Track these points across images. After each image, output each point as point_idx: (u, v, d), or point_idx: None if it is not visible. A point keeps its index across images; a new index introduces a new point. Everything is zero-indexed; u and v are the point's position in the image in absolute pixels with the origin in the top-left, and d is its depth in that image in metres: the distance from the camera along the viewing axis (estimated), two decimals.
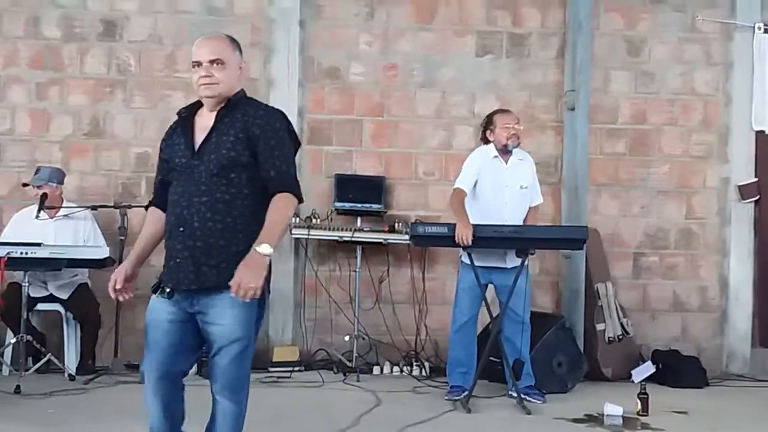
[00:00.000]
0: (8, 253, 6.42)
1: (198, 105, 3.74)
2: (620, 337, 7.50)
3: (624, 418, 5.86)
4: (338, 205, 7.66)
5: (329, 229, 7.51)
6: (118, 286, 3.62)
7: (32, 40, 7.82)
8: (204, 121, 3.65)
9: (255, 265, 3.35)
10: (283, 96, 7.79)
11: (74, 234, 7.07)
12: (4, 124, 7.77)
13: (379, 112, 8.01)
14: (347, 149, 7.98)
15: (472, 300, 6.43)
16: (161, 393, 3.59)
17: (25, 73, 7.81)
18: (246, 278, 3.31)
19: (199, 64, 3.62)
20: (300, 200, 3.62)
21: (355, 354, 7.42)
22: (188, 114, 3.75)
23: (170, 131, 3.78)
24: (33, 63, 7.82)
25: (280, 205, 3.51)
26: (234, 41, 3.75)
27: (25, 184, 7.14)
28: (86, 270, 7.09)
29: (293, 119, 7.69)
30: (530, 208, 6.68)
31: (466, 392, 6.29)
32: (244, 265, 3.34)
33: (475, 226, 6.35)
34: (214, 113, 3.63)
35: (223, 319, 3.47)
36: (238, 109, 3.63)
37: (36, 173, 7.08)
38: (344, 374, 7.18)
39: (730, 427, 5.89)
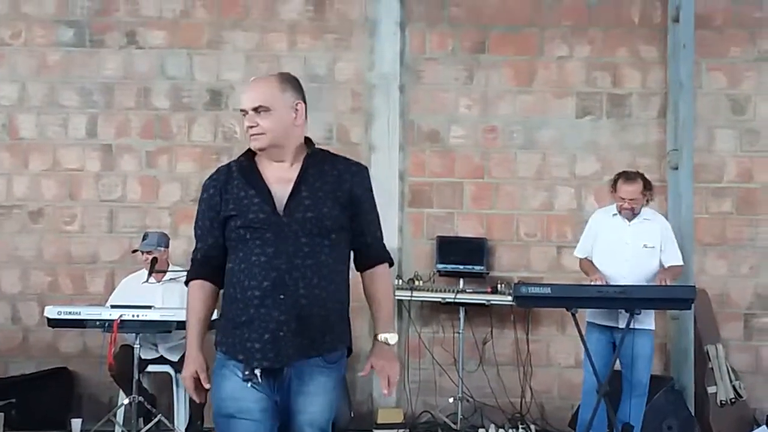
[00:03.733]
0: (120, 316, 6.59)
1: (254, 152, 3.27)
2: (733, 400, 7.29)
3: None
4: (440, 266, 7.68)
5: (432, 291, 7.52)
6: (207, 386, 3.23)
7: (143, 111, 8.08)
8: (275, 172, 3.18)
9: (392, 358, 3.24)
10: (384, 160, 7.90)
11: (181, 296, 7.13)
12: (116, 192, 8.03)
13: (480, 174, 8.05)
14: (448, 211, 8.01)
15: (596, 360, 6.26)
16: None
17: (135, 142, 8.07)
18: (393, 373, 3.21)
19: (245, 112, 3.18)
20: (391, 266, 3.37)
21: (459, 416, 7.36)
22: (249, 162, 3.24)
23: (222, 183, 3.20)
24: (143, 132, 8.07)
25: (388, 282, 3.33)
26: (285, 79, 3.24)
27: (134, 251, 7.35)
28: None
29: (395, 182, 7.86)
30: (665, 267, 6.44)
31: None
32: (383, 359, 3.21)
33: (578, 286, 6.34)
34: (288, 164, 3.19)
35: (314, 405, 3.14)
36: (324, 161, 3.23)
37: (144, 239, 7.26)
38: None
39: None
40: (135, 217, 7.99)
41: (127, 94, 8.09)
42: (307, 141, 3.28)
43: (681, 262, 6.55)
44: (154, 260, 7.09)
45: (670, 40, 7.92)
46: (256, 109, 3.14)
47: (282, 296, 3.03)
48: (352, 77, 8.10)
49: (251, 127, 3.14)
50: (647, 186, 6.46)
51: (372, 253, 3.29)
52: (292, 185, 3.12)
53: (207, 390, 3.25)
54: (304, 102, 3.25)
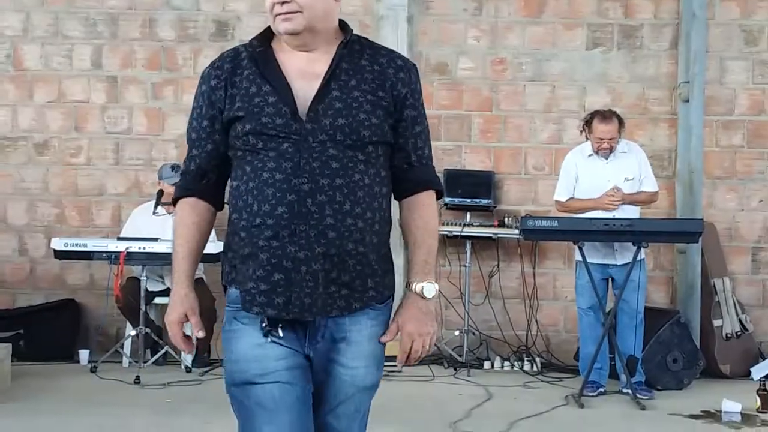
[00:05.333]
0: (127, 248, 6.61)
1: (271, 36, 2.51)
2: (738, 333, 7.29)
3: (743, 414, 5.72)
4: (447, 200, 7.62)
5: (439, 224, 7.49)
6: (201, 334, 2.52)
7: (148, 42, 8.00)
8: (299, 63, 2.44)
9: (427, 317, 2.49)
10: None
11: None
12: (122, 124, 7.99)
13: (488, 107, 7.96)
14: (456, 144, 7.96)
15: (590, 293, 6.30)
16: None
17: (141, 73, 8.01)
18: (424, 338, 2.48)
19: None
20: (440, 196, 2.62)
21: (465, 349, 7.40)
22: (265, 48, 2.47)
23: (227, 72, 2.45)
24: (149, 64, 8.00)
25: (432, 215, 2.55)
26: None
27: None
28: (201, 265, 7.21)
29: None
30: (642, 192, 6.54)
31: (603, 388, 6.33)
32: (411, 318, 2.48)
33: (585, 219, 6.33)
34: (317, 54, 2.44)
35: (357, 359, 2.46)
36: (362, 54, 2.47)
37: (175, 170, 7.05)
38: (455, 369, 7.16)
39: None
40: (141, 150, 7.96)
41: (132, 25, 8.00)
42: (342, 26, 2.52)
43: (655, 189, 6.66)
44: (160, 192, 7.07)
45: None
46: None
47: (303, 227, 2.33)
48: (360, 8, 7.98)
49: (284, 2, 2.38)
50: (622, 123, 6.51)
51: (415, 174, 2.52)
52: (320, 82, 2.39)
53: (200, 339, 2.59)
54: None
